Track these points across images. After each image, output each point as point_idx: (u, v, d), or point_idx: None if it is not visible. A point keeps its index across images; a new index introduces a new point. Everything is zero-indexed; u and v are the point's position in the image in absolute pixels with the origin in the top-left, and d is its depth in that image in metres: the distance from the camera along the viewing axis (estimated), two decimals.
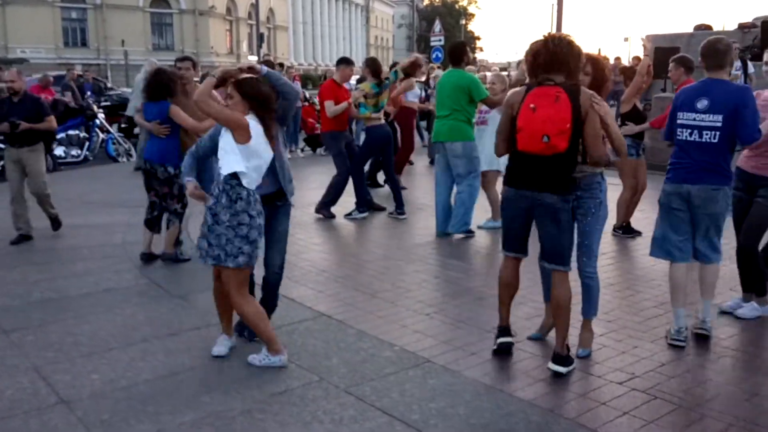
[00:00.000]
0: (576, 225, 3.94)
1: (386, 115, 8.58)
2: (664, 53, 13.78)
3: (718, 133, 4.10)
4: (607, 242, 6.82)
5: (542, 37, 3.78)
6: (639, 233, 7.06)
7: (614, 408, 3.46)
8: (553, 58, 3.66)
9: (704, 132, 4.14)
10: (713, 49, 4.19)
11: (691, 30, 15.76)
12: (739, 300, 4.78)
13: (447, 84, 7.02)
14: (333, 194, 8.15)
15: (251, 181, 3.79)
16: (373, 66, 8.23)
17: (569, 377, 3.81)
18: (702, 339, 4.29)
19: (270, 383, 3.76)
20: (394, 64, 9.93)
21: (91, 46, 49.80)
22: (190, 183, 3.96)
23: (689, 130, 4.20)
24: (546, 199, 3.73)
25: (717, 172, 4.16)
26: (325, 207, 8.08)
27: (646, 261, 6.18)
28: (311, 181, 10.99)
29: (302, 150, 14.31)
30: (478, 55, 76.65)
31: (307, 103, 14.64)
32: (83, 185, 10.54)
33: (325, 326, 4.63)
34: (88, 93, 16.14)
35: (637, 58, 15.84)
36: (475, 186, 7.02)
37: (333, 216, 8.04)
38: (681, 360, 4.04)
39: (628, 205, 7.10)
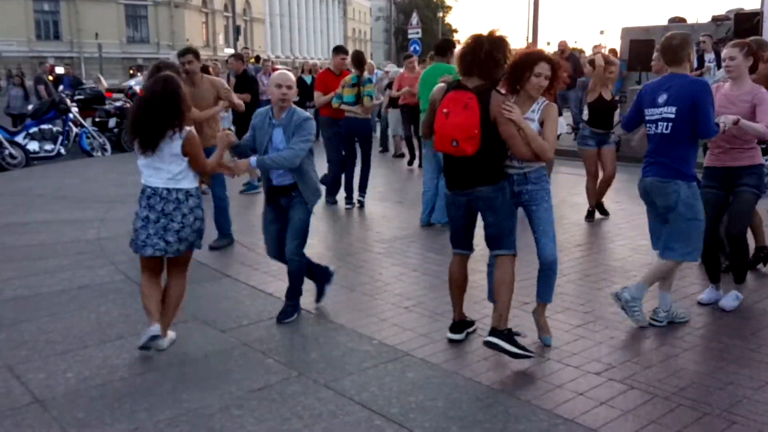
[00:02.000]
0: (529, 217, 4.05)
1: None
2: (638, 46, 13.91)
3: (671, 124, 4.17)
4: (582, 234, 6.88)
5: (469, 38, 3.90)
6: (607, 214, 7.56)
7: (591, 398, 3.49)
8: (473, 61, 3.82)
9: (659, 123, 4.24)
10: (667, 45, 4.26)
11: (665, 23, 15.89)
12: (711, 290, 4.83)
13: (434, 77, 6.96)
14: (329, 183, 8.34)
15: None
16: (356, 59, 8.37)
17: (546, 368, 3.84)
18: (671, 327, 4.39)
19: (248, 379, 3.73)
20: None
21: (64, 38, 49.13)
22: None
23: (653, 125, 4.29)
24: (478, 192, 3.91)
25: (666, 165, 4.21)
26: (328, 194, 8.30)
27: (622, 253, 6.24)
28: None
29: None
30: (456, 49, 76.72)
31: None
32: (56, 180, 10.39)
33: (303, 321, 4.61)
34: (61, 87, 15.89)
35: (613, 51, 15.94)
36: None
37: (335, 202, 8.40)
38: (657, 350, 4.08)
39: (593, 191, 7.43)
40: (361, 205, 8.34)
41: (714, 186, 4.70)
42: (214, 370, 3.86)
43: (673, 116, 4.16)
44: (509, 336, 3.87)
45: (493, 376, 3.75)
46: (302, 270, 4.64)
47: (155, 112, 3.87)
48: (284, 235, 4.57)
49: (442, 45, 7.46)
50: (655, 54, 6.97)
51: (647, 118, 4.34)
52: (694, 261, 4.63)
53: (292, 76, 4.56)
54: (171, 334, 4.21)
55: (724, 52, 4.73)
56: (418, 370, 3.84)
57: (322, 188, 5.06)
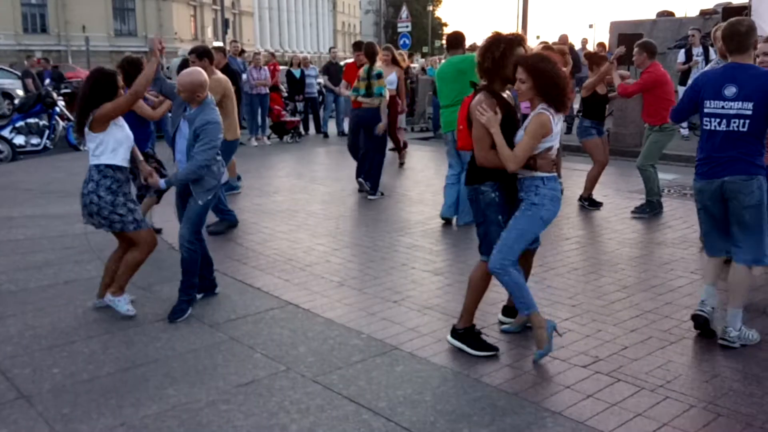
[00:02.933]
0: None
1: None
2: (627, 40, 13.94)
3: (747, 121, 3.86)
4: (570, 227, 6.90)
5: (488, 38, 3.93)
6: (600, 204, 7.68)
7: (578, 391, 3.50)
8: (483, 61, 3.90)
9: (732, 120, 3.90)
10: (735, 31, 3.92)
11: (653, 17, 15.94)
12: None
13: (449, 71, 6.94)
14: (374, 173, 8.50)
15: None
16: (366, 50, 8.61)
17: (528, 362, 3.85)
18: (658, 320, 4.38)
19: (236, 374, 3.72)
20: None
21: (52, 32, 48.72)
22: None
23: (719, 119, 3.95)
24: (467, 192, 4.00)
25: (748, 162, 3.92)
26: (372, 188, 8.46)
27: (610, 246, 6.27)
28: (278, 168, 10.91)
29: (269, 137, 14.18)
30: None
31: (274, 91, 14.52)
32: (43, 174, 10.30)
33: (292, 315, 4.60)
34: (48, 80, 15.76)
35: (601, 44, 15.97)
36: None
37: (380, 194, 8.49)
38: (643, 343, 4.10)
39: (593, 179, 7.66)
40: (369, 193, 8.41)
41: None
42: (201, 364, 3.85)
43: (750, 112, 3.83)
44: (464, 335, 3.98)
45: (480, 370, 3.76)
46: (193, 260, 4.60)
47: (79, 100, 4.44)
48: None
49: (453, 38, 7.46)
50: (636, 49, 7.11)
51: (709, 110, 3.98)
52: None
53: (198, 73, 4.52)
54: (109, 296, 4.58)
55: (760, 47, 4.55)
56: (406, 363, 3.85)
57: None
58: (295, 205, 8.05)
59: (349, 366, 3.81)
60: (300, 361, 3.88)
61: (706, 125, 4.03)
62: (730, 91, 3.90)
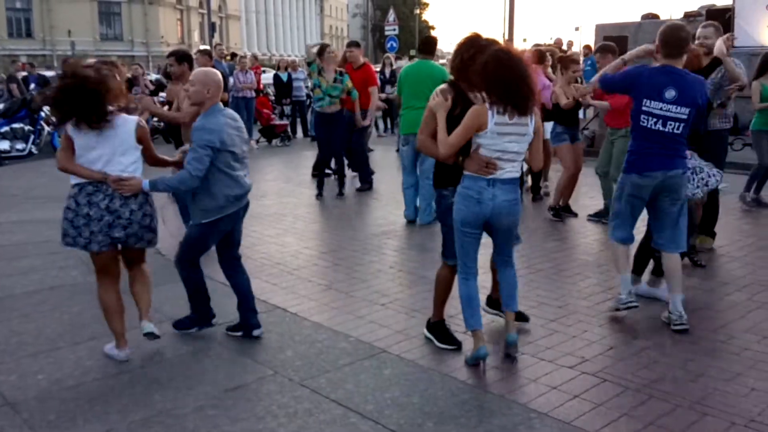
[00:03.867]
0: None
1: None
2: (611, 42, 14.01)
3: (683, 125, 4.17)
4: (555, 229, 6.93)
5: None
6: (575, 215, 7.45)
7: (565, 392, 3.52)
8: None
9: (668, 122, 4.17)
10: (676, 36, 4.17)
11: (638, 19, 16.04)
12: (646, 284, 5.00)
13: (419, 74, 7.03)
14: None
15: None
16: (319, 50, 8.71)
17: (520, 362, 3.86)
18: (643, 320, 4.42)
19: (223, 379, 3.71)
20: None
21: (37, 36, 48.38)
22: None
23: (656, 119, 4.18)
24: None
25: (683, 158, 4.30)
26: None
27: (595, 247, 6.31)
28: (266, 172, 10.89)
29: (257, 141, 14.15)
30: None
31: (261, 95, 14.51)
32: (28, 180, 10.24)
33: (279, 319, 4.59)
34: (33, 85, 15.65)
35: (587, 47, 16.06)
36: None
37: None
38: (629, 343, 4.13)
39: (563, 188, 7.36)
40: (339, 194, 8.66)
41: None
42: (188, 370, 3.83)
43: (686, 117, 4.15)
44: (433, 327, 4.16)
45: (468, 372, 3.77)
46: (188, 283, 4.24)
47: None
48: None
49: (429, 44, 7.53)
50: (597, 54, 7.13)
51: (648, 109, 4.20)
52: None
53: (207, 73, 4.11)
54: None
55: (700, 31, 4.85)
56: (394, 366, 3.85)
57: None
58: (283, 208, 8.04)
59: (337, 369, 3.81)
60: (287, 365, 3.88)
61: (644, 123, 4.24)
62: (671, 94, 4.14)
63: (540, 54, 8.28)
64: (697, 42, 5.58)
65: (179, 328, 4.35)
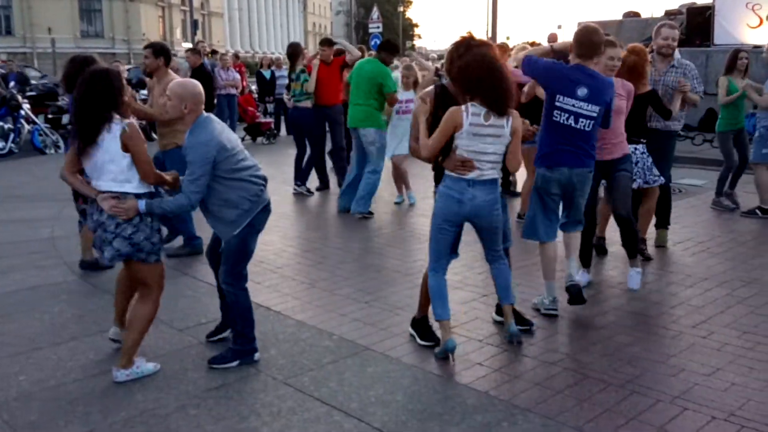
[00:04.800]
0: None
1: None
2: None
3: (592, 122, 4.30)
4: None
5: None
6: None
7: (548, 388, 3.54)
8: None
9: (580, 119, 4.27)
10: (587, 38, 4.31)
11: (620, 17, 16.15)
12: (585, 273, 5.09)
13: (364, 72, 7.33)
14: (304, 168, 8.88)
15: None
16: (289, 51, 8.88)
17: (503, 359, 3.88)
18: (626, 316, 4.45)
19: (205, 378, 3.69)
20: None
21: (17, 33, 47.82)
22: None
23: (567, 115, 4.28)
24: None
25: (589, 155, 4.40)
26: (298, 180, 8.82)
27: None
28: None
29: (242, 139, 14.08)
30: (417, 43, 76.88)
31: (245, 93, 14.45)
32: (8, 178, 10.12)
33: (263, 318, 4.56)
34: (12, 83, 15.46)
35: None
36: (375, 178, 7.42)
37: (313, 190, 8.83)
38: (611, 339, 4.15)
39: (525, 195, 7.06)
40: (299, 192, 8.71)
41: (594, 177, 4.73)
42: (170, 369, 3.81)
43: (595, 115, 4.27)
44: (416, 324, 4.18)
45: (451, 369, 3.78)
46: (238, 305, 3.88)
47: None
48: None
49: (388, 44, 7.71)
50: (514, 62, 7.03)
51: (560, 104, 4.27)
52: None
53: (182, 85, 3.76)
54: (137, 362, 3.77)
55: (664, 32, 5.00)
56: (377, 364, 3.85)
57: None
58: None
59: (321, 368, 3.80)
60: (271, 363, 3.86)
61: (556, 118, 4.31)
62: (582, 92, 4.24)
63: (503, 47, 8.28)
64: (663, 42, 5.72)
65: (217, 363, 3.82)
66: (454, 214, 3.79)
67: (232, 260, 3.82)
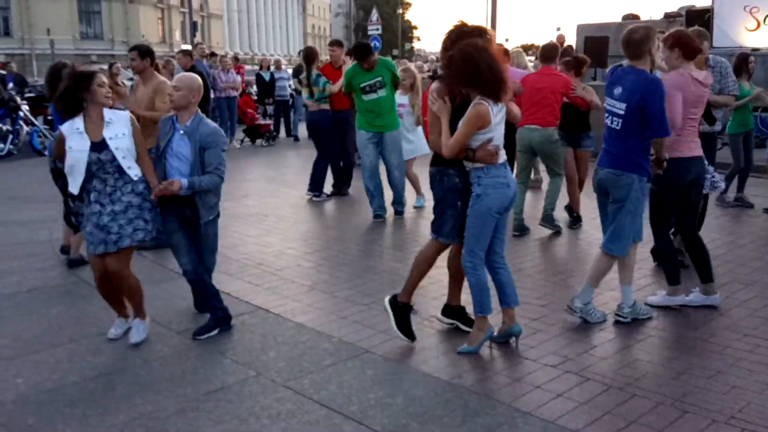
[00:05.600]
0: None
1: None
2: (593, 42, 14.13)
3: (620, 120, 4.19)
4: (538, 229, 6.93)
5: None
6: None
7: (548, 390, 3.52)
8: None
9: (613, 118, 4.25)
10: (629, 38, 4.23)
11: (619, 19, 16.18)
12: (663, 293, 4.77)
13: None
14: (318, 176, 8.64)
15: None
16: (305, 54, 8.78)
17: (504, 362, 3.87)
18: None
19: (204, 381, 3.68)
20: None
21: (15, 35, 47.73)
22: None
23: (608, 116, 4.30)
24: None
25: (620, 157, 4.24)
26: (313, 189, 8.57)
27: (579, 246, 6.33)
28: (249, 172, 10.83)
29: (241, 141, 14.08)
30: (416, 45, 76.91)
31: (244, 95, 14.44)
32: (7, 180, 10.10)
33: (262, 320, 4.56)
34: (11, 84, 15.44)
35: (569, 47, 16.14)
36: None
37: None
38: (612, 342, 4.14)
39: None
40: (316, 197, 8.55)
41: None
42: (169, 372, 3.79)
43: (622, 113, 4.17)
44: (398, 308, 4.14)
45: (452, 371, 3.77)
46: (209, 285, 4.39)
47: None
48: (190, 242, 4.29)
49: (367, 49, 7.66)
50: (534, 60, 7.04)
51: (605, 106, 4.35)
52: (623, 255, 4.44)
53: (186, 78, 4.23)
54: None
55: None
56: (377, 367, 3.84)
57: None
58: (265, 209, 8.00)
59: (320, 370, 3.79)
60: (270, 366, 3.85)
61: (606, 120, 4.35)
62: (618, 91, 4.21)
63: (505, 50, 8.26)
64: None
65: (201, 334, 4.24)
66: (509, 199, 3.89)
67: (213, 245, 4.43)
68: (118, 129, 4.03)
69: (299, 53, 19.02)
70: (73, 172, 4.01)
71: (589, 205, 7.76)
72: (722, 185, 5.38)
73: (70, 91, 3.94)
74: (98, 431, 3.18)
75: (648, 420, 3.23)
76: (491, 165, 3.79)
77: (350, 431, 3.18)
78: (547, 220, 6.75)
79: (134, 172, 4.05)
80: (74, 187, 4.03)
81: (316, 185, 8.48)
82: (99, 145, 3.95)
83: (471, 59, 3.63)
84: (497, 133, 3.80)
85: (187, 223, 4.26)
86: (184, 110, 4.13)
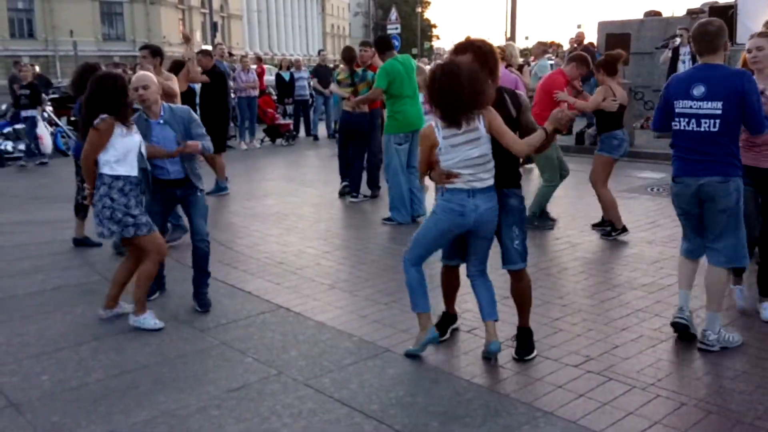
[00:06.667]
0: None
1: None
2: (615, 39, 14.01)
3: (718, 120, 3.79)
4: (560, 228, 6.90)
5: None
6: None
7: (570, 391, 3.50)
8: None
9: (702, 120, 3.84)
10: (704, 31, 3.89)
11: (641, 16, 16.00)
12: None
13: (410, 69, 7.36)
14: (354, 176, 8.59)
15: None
16: (344, 55, 8.79)
17: (525, 362, 3.84)
18: (648, 318, 4.39)
19: (226, 379, 3.70)
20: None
21: (39, 37, 48.43)
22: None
23: (689, 119, 3.89)
24: None
25: (723, 163, 3.85)
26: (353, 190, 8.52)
27: (600, 245, 6.28)
28: (268, 172, 10.89)
29: (261, 141, 14.15)
30: (435, 43, 76.73)
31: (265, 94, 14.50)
32: (31, 180, 10.25)
33: (282, 319, 4.58)
34: None
35: (590, 44, 16.02)
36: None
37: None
38: (634, 342, 4.10)
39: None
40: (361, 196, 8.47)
41: (749, 185, 4.25)
42: (191, 370, 3.82)
43: (719, 112, 3.77)
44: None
45: (472, 371, 3.75)
46: (208, 254, 4.85)
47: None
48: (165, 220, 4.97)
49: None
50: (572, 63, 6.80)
51: (679, 110, 3.92)
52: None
53: (149, 77, 4.66)
54: (132, 318, 4.45)
55: (750, 43, 4.43)
56: (398, 366, 3.84)
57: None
58: (285, 208, 8.03)
59: (341, 369, 3.79)
60: (291, 364, 3.86)
61: (676, 125, 3.98)
62: (699, 90, 3.85)
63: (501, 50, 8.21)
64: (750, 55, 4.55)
65: (207, 307, 4.75)
66: (458, 226, 3.73)
67: (204, 213, 4.82)
68: None
69: (318, 53, 19.08)
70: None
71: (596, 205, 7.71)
72: None
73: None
74: (122, 428, 3.22)
75: (671, 421, 3.20)
76: (452, 188, 3.67)
77: (371, 430, 3.18)
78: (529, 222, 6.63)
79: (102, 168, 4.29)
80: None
81: (354, 186, 8.43)
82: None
83: (432, 78, 3.60)
84: (453, 156, 3.62)
85: (170, 203, 4.85)
86: (155, 104, 4.59)
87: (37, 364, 3.91)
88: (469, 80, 3.49)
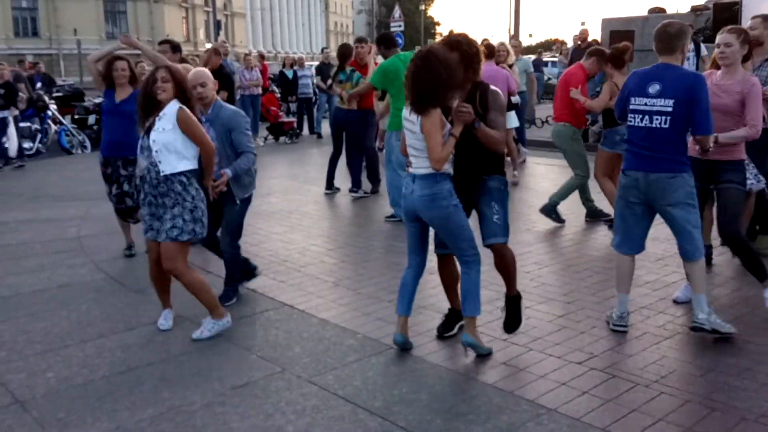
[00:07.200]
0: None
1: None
2: (618, 36, 13.97)
3: (668, 118, 3.93)
4: (562, 225, 6.89)
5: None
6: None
7: (574, 388, 3.50)
8: None
9: (654, 117, 3.97)
10: (663, 32, 4.06)
11: (645, 13, 15.97)
12: (687, 288, 4.60)
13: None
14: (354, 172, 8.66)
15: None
16: (339, 52, 8.83)
17: (529, 358, 3.85)
18: (653, 316, 4.38)
19: (231, 376, 3.71)
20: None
21: (43, 35, 48.51)
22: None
23: (642, 116, 4.02)
24: None
25: (669, 159, 3.97)
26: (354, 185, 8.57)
27: (603, 242, 6.28)
28: (272, 170, 10.89)
29: (265, 139, 14.16)
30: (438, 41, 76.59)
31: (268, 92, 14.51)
32: (36, 178, 10.28)
33: (287, 316, 4.59)
34: (39, 84, 15.70)
35: (594, 41, 16.00)
36: None
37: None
38: (638, 339, 4.11)
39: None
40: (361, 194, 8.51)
41: (696, 178, 4.28)
42: (196, 367, 3.84)
43: (670, 109, 3.91)
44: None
45: (476, 368, 3.76)
46: (236, 259, 4.88)
47: None
48: (217, 224, 4.81)
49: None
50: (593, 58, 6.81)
51: (633, 107, 4.06)
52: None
53: (206, 73, 4.60)
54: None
55: (719, 38, 4.49)
56: (401, 363, 3.84)
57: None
58: (289, 206, 8.05)
59: (345, 366, 3.80)
60: (295, 362, 3.88)
61: (630, 121, 4.10)
62: (654, 88, 3.98)
63: (489, 48, 8.26)
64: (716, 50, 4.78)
65: (228, 301, 4.75)
66: (406, 209, 3.88)
67: (237, 226, 4.77)
68: (164, 123, 4.06)
69: (322, 50, 19.09)
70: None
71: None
72: (761, 185, 5.16)
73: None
74: (127, 425, 3.23)
75: (675, 418, 3.20)
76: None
77: (375, 427, 3.19)
78: (545, 209, 6.88)
79: (164, 167, 4.02)
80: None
81: (355, 180, 8.50)
82: (147, 130, 4.10)
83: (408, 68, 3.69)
84: (408, 139, 3.78)
85: (211, 208, 4.46)
86: (212, 101, 4.53)
87: (42, 362, 3.93)
88: (426, 70, 3.59)
